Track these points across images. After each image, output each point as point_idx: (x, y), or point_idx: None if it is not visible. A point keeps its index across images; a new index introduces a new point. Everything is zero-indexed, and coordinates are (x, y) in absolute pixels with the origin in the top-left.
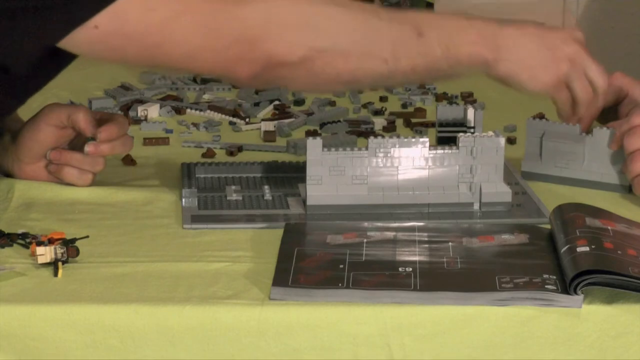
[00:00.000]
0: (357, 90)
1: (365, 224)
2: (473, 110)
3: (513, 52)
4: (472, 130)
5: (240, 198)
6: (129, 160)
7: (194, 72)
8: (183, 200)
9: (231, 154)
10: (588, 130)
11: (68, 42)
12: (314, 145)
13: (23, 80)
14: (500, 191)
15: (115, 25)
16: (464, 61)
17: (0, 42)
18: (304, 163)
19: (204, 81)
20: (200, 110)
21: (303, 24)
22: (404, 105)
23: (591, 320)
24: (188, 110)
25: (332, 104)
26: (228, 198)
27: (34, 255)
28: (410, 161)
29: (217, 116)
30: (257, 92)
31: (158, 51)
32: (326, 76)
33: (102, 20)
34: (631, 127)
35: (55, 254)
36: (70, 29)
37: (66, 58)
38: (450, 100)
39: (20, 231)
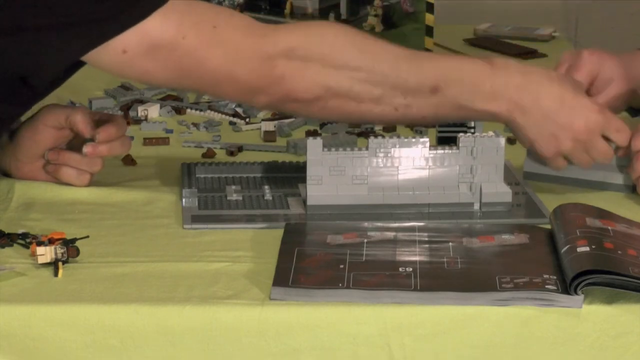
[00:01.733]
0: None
1: (366, 224)
2: None
3: (525, 115)
4: (472, 130)
5: (241, 198)
6: (129, 160)
7: (218, 98)
8: (183, 200)
9: (231, 154)
10: None
11: (94, 63)
12: (314, 145)
13: (36, 91)
14: (500, 191)
15: (144, 49)
16: (473, 116)
17: (24, 56)
18: (304, 163)
19: None
20: (200, 110)
21: (323, 62)
22: None
23: (591, 320)
24: (188, 110)
25: None
26: (228, 198)
27: (34, 255)
28: (411, 161)
29: (217, 116)
30: None
31: (186, 75)
32: (337, 115)
33: (131, 43)
34: (638, 128)
35: (56, 254)
36: (95, 46)
37: (74, 66)
38: None
39: (20, 231)
